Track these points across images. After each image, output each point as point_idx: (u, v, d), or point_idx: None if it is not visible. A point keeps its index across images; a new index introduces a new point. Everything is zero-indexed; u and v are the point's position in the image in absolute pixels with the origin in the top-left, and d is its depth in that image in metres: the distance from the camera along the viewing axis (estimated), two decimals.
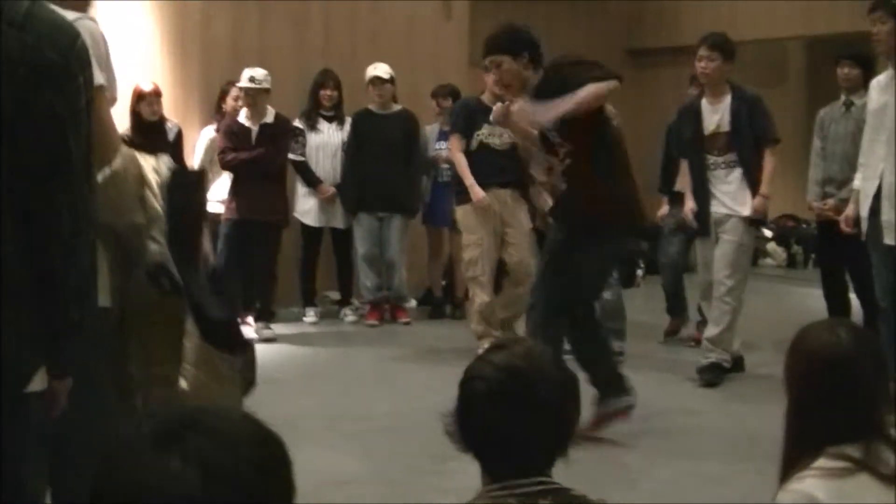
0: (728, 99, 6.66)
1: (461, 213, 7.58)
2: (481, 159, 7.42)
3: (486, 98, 7.45)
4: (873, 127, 5.85)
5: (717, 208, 6.70)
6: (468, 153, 7.48)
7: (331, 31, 9.54)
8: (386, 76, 8.72)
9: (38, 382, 2.38)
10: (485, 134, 7.44)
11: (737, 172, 6.63)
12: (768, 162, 6.61)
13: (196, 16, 8.77)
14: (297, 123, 8.76)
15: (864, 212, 5.84)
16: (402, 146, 8.67)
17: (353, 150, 8.68)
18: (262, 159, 8.01)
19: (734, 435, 5.58)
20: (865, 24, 5.97)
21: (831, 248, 7.23)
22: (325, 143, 8.78)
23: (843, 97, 7.26)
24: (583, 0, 12.20)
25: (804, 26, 10.79)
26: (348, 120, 8.81)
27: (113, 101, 2.89)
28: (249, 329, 8.02)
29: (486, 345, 7.13)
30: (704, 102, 6.76)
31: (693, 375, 6.67)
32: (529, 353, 2.10)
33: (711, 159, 6.71)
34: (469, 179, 7.37)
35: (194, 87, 8.90)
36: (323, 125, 8.80)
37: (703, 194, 6.75)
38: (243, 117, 8.17)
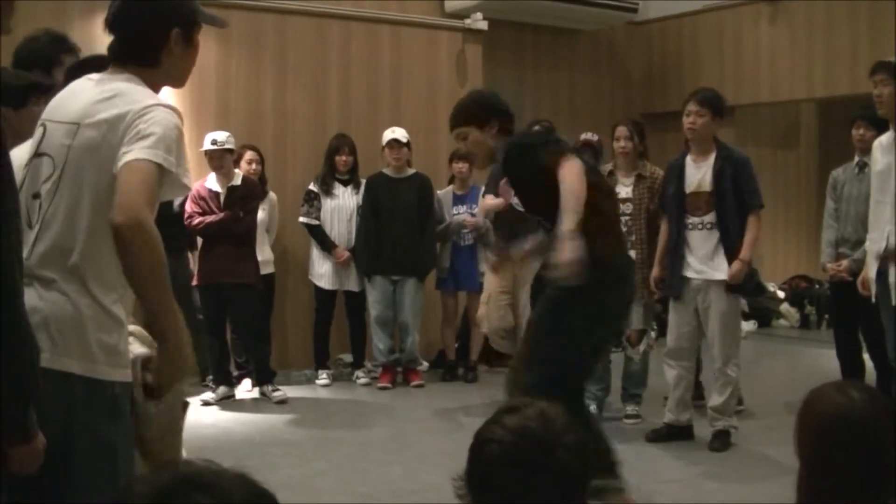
0: (713, 157, 6.52)
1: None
2: (507, 222, 7.35)
3: None
4: (878, 188, 5.86)
5: (689, 273, 6.54)
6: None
7: (349, 96, 9.61)
8: (403, 140, 8.79)
9: None
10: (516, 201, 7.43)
11: (715, 236, 6.46)
12: (752, 227, 6.41)
13: (212, 80, 8.86)
14: (312, 187, 8.82)
15: (873, 273, 5.84)
16: (416, 210, 8.71)
17: (367, 214, 8.73)
18: (228, 221, 7.99)
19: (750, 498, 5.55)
20: (868, 86, 6.02)
21: (845, 309, 7.21)
22: (341, 206, 8.82)
23: (856, 158, 7.27)
24: (606, 66, 12.31)
25: (821, 88, 10.84)
26: (363, 183, 8.86)
27: (184, 188, 2.84)
28: (244, 390, 8.31)
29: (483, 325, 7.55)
30: (689, 160, 6.63)
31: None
32: (543, 416, 2.05)
33: (691, 219, 6.55)
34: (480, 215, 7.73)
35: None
36: (338, 189, 8.84)
37: (677, 255, 6.58)
38: (212, 181, 8.20)
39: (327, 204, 8.81)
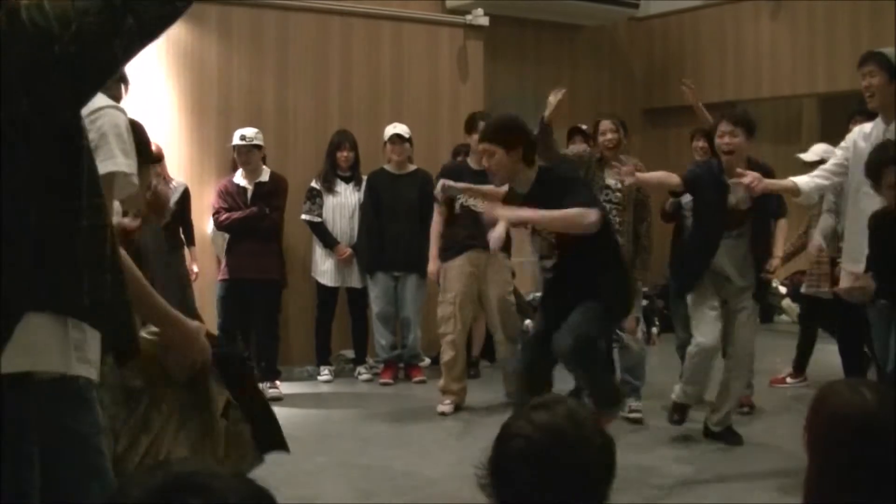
0: None
1: (442, 271, 7.86)
2: (463, 222, 7.70)
3: (471, 160, 7.84)
4: (859, 178, 5.77)
5: (719, 273, 6.46)
6: (453, 216, 7.80)
7: (350, 92, 9.61)
8: (405, 135, 8.79)
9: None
10: (465, 197, 7.61)
11: (744, 244, 6.43)
12: (782, 229, 6.87)
13: (214, 77, 8.85)
14: (314, 185, 8.82)
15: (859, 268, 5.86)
16: (417, 206, 8.70)
17: (369, 210, 8.73)
18: (254, 217, 8.07)
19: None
20: None
21: (846, 304, 7.18)
22: (342, 203, 8.82)
23: None
24: (607, 62, 12.31)
25: (822, 84, 10.83)
26: (365, 179, 8.87)
27: (133, 186, 2.92)
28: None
29: (447, 401, 7.62)
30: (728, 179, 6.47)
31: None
32: (572, 415, 2.06)
33: (724, 232, 6.48)
34: (433, 251, 7.89)
35: (211, 148, 8.95)
36: (340, 186, 8.84)
37: (705, 260, 6.43)
38: (239, 177, 8.26)
39: (329, 201, 8.81)
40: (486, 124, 5.83)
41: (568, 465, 1.99)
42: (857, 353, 7.28)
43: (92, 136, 2.70)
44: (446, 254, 7.82)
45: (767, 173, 6.46)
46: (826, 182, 6.18)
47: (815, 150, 8.02)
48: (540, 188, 5.58)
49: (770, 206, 6.65)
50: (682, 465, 6.12)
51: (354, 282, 8.86)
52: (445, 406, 7.60)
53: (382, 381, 8.74)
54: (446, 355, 7.75)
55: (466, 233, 7.65)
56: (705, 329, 6.36)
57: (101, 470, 2.68)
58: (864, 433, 2.22)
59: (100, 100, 2.80)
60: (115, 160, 2.78)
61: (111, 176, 2.76)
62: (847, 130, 7.15)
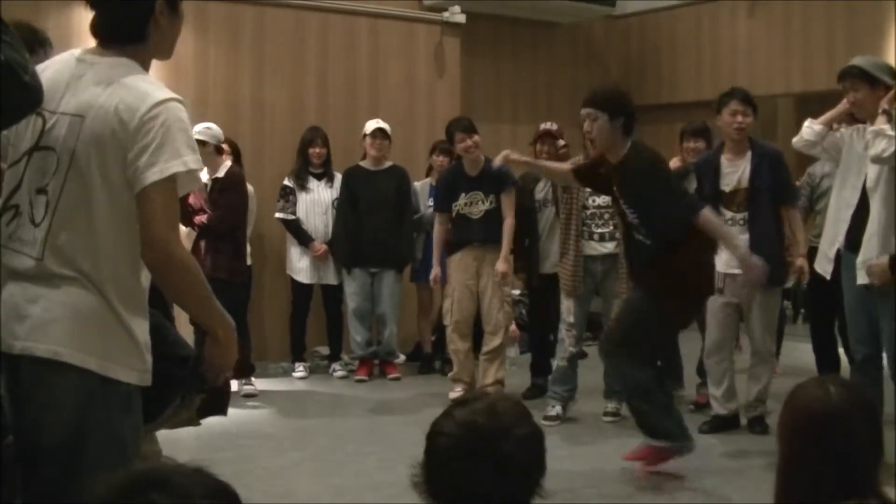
0: (749, 155, 6.53)
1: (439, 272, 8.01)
2: (459, 226, 7.88)
3: (465, 166, 7.90)
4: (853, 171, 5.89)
5: (726, 268, 6.47)
6: (450, 222, 7.95)
7: (326, 89, 9.59)
8: (387, 130, 8.79)
9: None
10: (461, 205, 7.84)
11: (747, 233, 6.45)
12: (796, 219, 6.65)
13: (190, 72, 8.82)
14: (287, 182, 8.79)
15: (832, 253, 5.94)
16: (394, 202, 8.71)
17: (346, 206, 8.71)
18: (212, 221, 7.76)
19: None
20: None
21: (821, 305, 7.23)
22: (316, 200, 8.79)
23: None
24: (584, 60, 12.32)
25: (798, 83, 10.89)
26: (337, 176, 8.84)
27: (196, 181, 2.87)
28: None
29: (458, 388, 7.68)
30: (723, 160, 6.61)
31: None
32: (491, 409, 2.09)
33: (729, 215, 6.52)
34: (436, 257, 8.03)
35: None
36: (312, 183, 8.81)
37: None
38: (204, 173, 8.05)
39: (302, 198, 8.77)
40: (592, 91, 6.02)
41: (486, 458, 2.03)
42: (830, 348, 7.32)
43: (152, 133, 2.66)
44: (447, 250, 7.97)
45: (778, 158, 6.55)
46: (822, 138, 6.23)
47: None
48: (624, 169, 5.66)
49: (779, 185, 6.54)
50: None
51: (329, 278, 8.84)
52: (456, 393, 7.65)
53: (357, 377, 8.72)
54: (450, 345, 7.92)
55: (464, 234, 7.84)
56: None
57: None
58: (829, 426, 2.25)
59: (158, 91, 2.74)
60: (182, 159, 2.70)
61: (175, 177, 2.70)
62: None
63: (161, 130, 2.67)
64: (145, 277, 2.81)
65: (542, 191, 7.84)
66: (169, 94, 2.77)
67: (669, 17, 12.21)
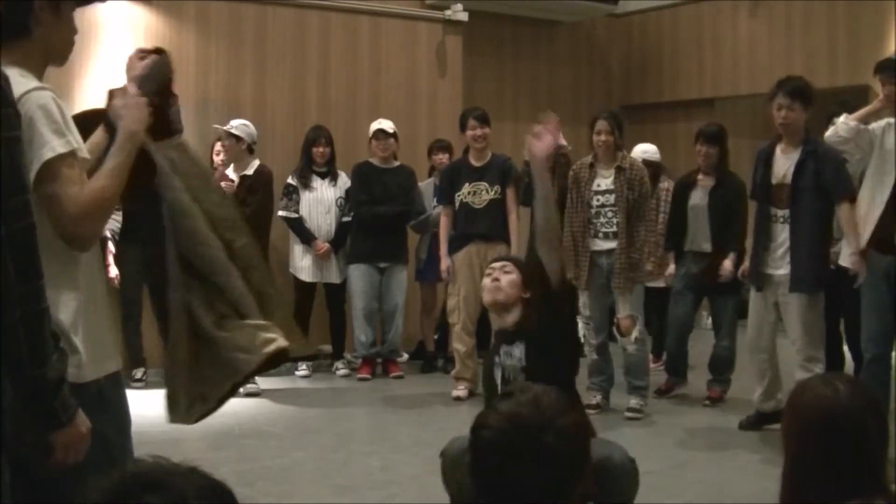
0: (799, 150, 6.35)
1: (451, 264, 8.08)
2: (462, 217, 8.01)
3: (471, 156, 8.07)
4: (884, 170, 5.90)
5: (768, 269, 6.45)
6: (454, 213, 8.09)
7: (328, 87, 9.59)
8: (390, 130, 8.79)
9: None
10: (465, 193, 7.98)
11: (787, 231, 6.35)
12: (845, 213, 6.21)
13: (192, 71, 8.81)
14: (291, 181, 8.79)
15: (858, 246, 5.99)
16: (402, 200, 8.75)
17: (360, 199, 8.70)
18: None
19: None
20: (847, 80, 6.07)
21: (827, 301, 7.21)
22: (319, 199, 8.79)
23: None
24: (585, 58, 12.32)
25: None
26: (341, 175, 8.85)
27: (85, 161, 2.80)
28: None
29: (461, 387, 7.74)
30: (779, 149, 6.48)
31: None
32: (535, 401, 2.09)
33: (773, 210, 6.43)
34: (443, 251, 8.14)
35: (189, 141, 8.88)
36: (316, 182, 8.80)
37: (759, 246, 6.49)
38: (230, 170, 8.13)
39: (305, 197, 8.77)
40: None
41: (529, 450, 2.02)
42: (834, 346, 7.27)
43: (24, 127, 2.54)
44: (451, 245, 8.08)
45: (826, 157, 6.29)
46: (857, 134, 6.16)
47: None
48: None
49: (821, 186, 6.29)
50: (657, 456, 6.14)
51: (332, 277, 8.84)
52: (460, 391, 7.77)
53: (360, 376, 8.72)
54: (455, 344, 8.02)
55: (468, 227, 7.94)
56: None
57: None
58: (837, 425, 2.24)
59: (20, 85, 2.60)
60: (50, 145, 2.60)
61: (52, 161, 2.61)
62: (825, 129, 7.19)
63: (26, 125, 2.56)
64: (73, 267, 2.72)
65: None
66: (30, 85, 2.65)
67: (671, 16, 12.21)
